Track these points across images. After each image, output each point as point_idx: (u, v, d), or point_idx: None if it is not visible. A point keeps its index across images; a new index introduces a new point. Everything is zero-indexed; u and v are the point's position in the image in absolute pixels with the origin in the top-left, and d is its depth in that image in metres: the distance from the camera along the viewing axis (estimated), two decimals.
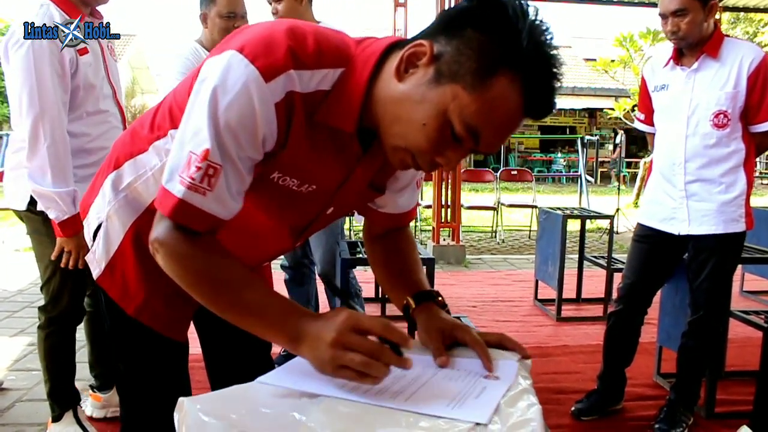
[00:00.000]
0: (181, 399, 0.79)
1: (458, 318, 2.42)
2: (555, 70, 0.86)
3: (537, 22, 0.84)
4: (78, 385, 2.36)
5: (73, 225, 1.98)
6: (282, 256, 3.26)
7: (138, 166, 1.09)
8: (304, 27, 0.92)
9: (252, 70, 0.84)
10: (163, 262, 0.92)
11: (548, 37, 0.85)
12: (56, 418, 2.31)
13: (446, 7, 3.23)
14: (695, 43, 2.28)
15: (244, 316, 0.92)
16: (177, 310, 0.99)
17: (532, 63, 0.84)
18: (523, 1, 0.84)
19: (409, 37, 0.95)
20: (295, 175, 0.98)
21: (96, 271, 1.15)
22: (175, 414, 0.79)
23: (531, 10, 0.84)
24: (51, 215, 2.00)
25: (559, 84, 0.87)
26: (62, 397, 2.30)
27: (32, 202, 2.09)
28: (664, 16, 2.27)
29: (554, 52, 0.85)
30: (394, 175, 1.15)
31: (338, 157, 0.98)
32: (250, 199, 0.94)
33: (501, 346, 1.03)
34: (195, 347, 1.31)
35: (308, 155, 0.95)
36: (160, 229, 0.91)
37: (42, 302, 2.26)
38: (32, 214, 2.13)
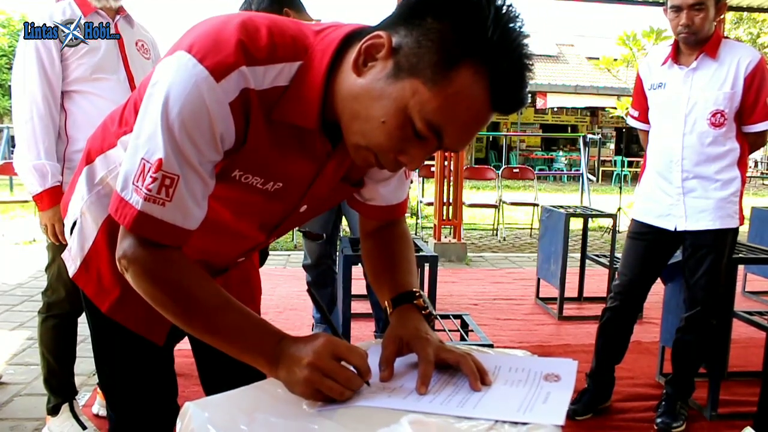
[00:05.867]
0: (186, 404, 0.77)
1: (460, 316, 2.44)
2: (525, 60, 0.79)
3: (504, 9, 0.77)
4: (88, 381, 2.35)
5: (48, 199, 2.06)
6: (305, 254, 3.19)
7: (108, 161, 1.06)
8: (258, 19, 0.86)
9: (201, 70, 0.79)
10: (133, 281, 0.89)
11: (517, 24, 0.78)
12: (52, 411, 2.30)
13: None
14: (702, 40, 2.30)
15: (219, 338, 0.88)
16: (153, 309, 0.93)
17: (498, 53, 0.77)
18: None
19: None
20: (257, 173, 0.93)
21: (72, 268, 1.12)
22: (178, 421, 0.77)
23: None
24: (29, 190, 2.09)
25: (530, 75, 0.80)
26: (57, 387, 2.30)
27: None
28: (678, 8, 2.27)
29: (524, 41, 0.79)
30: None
31: (305, 154, 0.93)
32: (214, 198, 0.91)
33: (457, 367, 0.92)
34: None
35: (271, 153, 0.90)
36: (126, 245, 0.87)
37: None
38: None
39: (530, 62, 0.80)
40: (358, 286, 2.84)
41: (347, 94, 0.84)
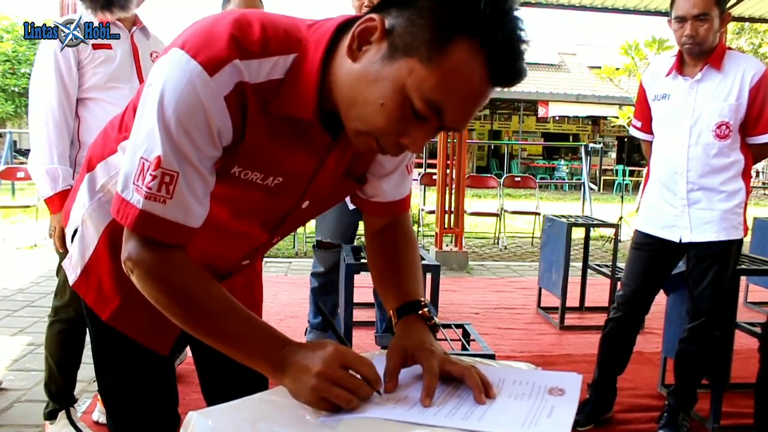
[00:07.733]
0: (190, 414, 0.76)
1: (461, 325, 2.43)
2: (519, 32, 0.78)
3: None
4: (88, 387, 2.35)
5: (58, 201, 2.11)
6: (314, 261, 3.20)
7: (109, 167, 1.06)
8: (250, 15, 0.87)
9: (194, 66, 0.80)
10: (139, 283, 0.89)
11: None
12: (48, 416, 2.31)
13: None
14: (707, 51, 2.30)
15: (223, 342, 0.88)
16: (156, 318, 0.93)
17: (492, 26, 0.76)
18: None
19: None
20: (257, 168, 0.93)
21: (72, 277, 1.12)
22: (181, 430, 0.77)
23: None
24: (41, 193, 2.14)
25: (526, 47, 0.80)
26: (55, 393, 2.31)
27: None
28: (683, 19, 2.27)
29: (517, 13, 0.78)
30: (376, 161, 1.09)
31: (305, 147, 0.93)
32: (214, 197, 0.91)
33: (461, 380, 0.92)
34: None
35: (269, 147, 0.90)
36: (130, 246, 0.87)
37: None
38: None
39: (524, 33, 0.79)
40: (359, 294, 2.83)
41: (344, 80, 0.84)
